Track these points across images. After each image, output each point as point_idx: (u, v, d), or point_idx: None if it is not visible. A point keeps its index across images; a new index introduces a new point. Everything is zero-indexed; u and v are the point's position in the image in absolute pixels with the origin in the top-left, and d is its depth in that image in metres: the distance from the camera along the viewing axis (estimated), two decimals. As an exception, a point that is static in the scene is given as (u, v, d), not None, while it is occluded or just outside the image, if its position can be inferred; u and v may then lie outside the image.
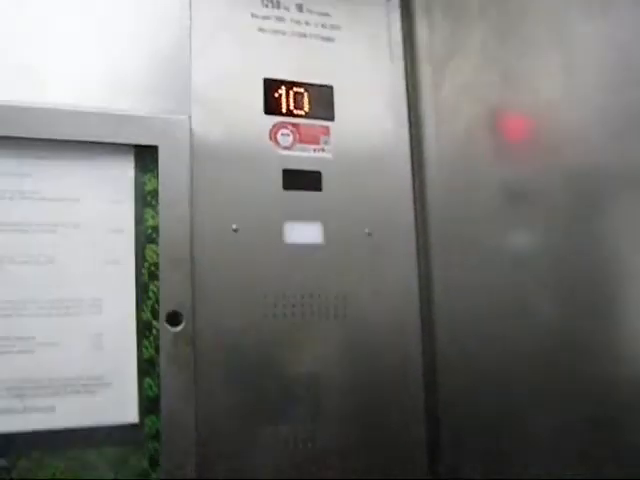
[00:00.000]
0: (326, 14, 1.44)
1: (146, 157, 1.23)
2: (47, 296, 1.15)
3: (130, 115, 1.22)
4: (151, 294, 1.21)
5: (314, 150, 1.38)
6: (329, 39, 1.44)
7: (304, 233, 1.36)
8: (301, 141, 1.38)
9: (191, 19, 1.32)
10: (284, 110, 1.37)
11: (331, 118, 1.41)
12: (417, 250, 1.45)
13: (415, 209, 1.46)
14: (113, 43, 1.26)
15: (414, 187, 1.46)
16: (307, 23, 1.42)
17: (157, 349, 1.19)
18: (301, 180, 1.36)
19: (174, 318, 1.20)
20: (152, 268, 1.21)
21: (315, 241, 1.36)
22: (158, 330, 1.19)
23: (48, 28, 1.22)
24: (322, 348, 1.35)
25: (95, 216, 1.19)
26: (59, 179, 1.18)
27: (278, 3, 1.40)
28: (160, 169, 1.22)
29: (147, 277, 1.21)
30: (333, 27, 1.45)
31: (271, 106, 1.36)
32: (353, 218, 1.39)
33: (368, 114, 1.44)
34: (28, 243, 1.15)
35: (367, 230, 1.40)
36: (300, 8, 1.42)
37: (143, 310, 1.21)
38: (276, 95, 1.37)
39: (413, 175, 1.47)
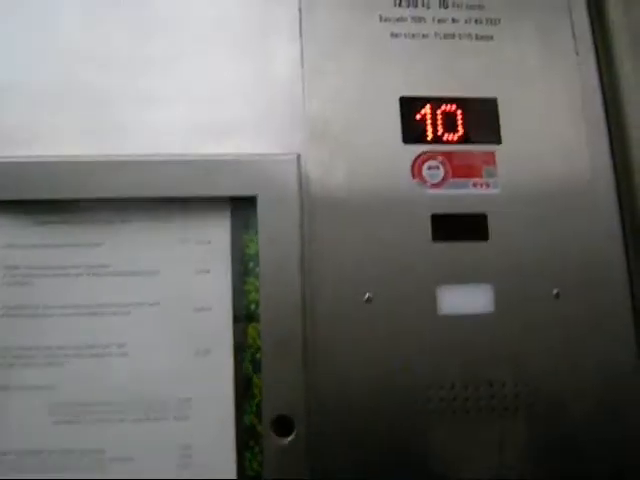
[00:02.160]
0: (479, 6, 1.08)
1: (245, 212, 0.94)
2: (120, 397, 0.89)
3: (220, 159, 0.94)
4: (256, 391, 0.90)
5: (474, 185, 1.01)
6: (486, 37, 1.07)
7: (466, 299, 0.97)
8: (456, 175, 1.01)
9: (302, 35, 1.04)
10: (430, 136, 1.02)
11: (496, 141, 1.03)
12: (633, 312, 1.02)
13: (627, 256, 1.03)
14: (204, 71, 1.01)
15: (623, 226, 1.04)
16: (455, 20, 1.07)
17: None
18: (458, 227, 0.99)
19: (283, 425, 0.88)
20: (257, 355, 0.91)
21: (483, 309, 0.97)
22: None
23: (122, 63, 1.00)
24: (501, 454, 0.94)
25: (179, 292, 0.92)
26: (134, 248, 0.93)
27: (415, 0, 1.09)
28: (260, 225, 0.92)
29: (250, 368, 0.91)
30: (490, 22, 1.08)
31: (412, 132, 1.02)
32: (535, 275, 0.99)
33: (548, 131, 1.04)
34: (97, 330, 0.90)
35: (556, 290, 0.99)
36: (444, 3, 1.08)
37: (245, 412, 0.91)
38: (418, 117, 1.02)
39: (621, 210, 1.04)
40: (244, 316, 0.93)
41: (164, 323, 0.91)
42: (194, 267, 0.93)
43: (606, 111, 1.07)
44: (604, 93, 1.08)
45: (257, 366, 0.90)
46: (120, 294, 0.91)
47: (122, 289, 0.91)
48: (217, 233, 0.94)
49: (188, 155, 0.94)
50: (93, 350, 0.89)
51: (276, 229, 0.92)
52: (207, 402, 0.90)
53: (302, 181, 0.96)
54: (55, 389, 0.88)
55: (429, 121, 1.03)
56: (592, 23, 1.11)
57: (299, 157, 0.96)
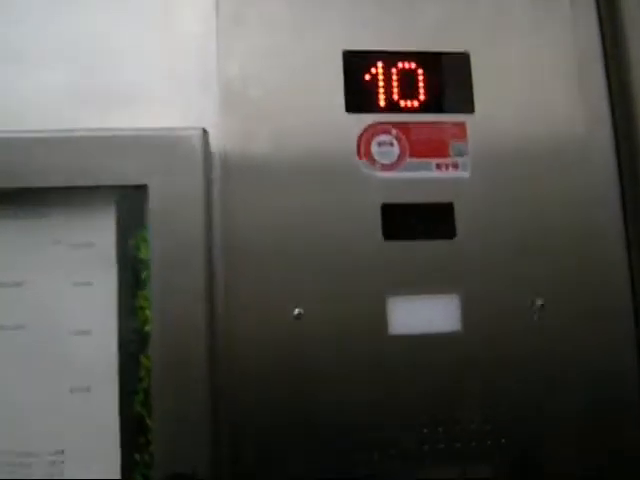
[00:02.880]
0: None
1: (135, 205, 0.72)
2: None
3: (100, 136, 0.71)
4: (150, 438, 0.70)
5: (438, 167, 0.79)
6: (457, -24, 0.85)
7: (425, 315, 0.76)
8: (414, 153, 0.79)
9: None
10: (383, 102, 0.79)
11: (468, 109, 0.80)
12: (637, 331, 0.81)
13: (630, 258, 0.82)
14: (87, 25, 0.78)
15: (625, 220, 0.82)
16: (416, -48, 0.85)
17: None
18: (416, 221, 0.77)
19: (179, 488, 0.68)
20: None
21: (447, 327, 0.76)
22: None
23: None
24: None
25: (50, 310, 0.71)
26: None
27: None
28: (152, 223, 0.70)
29: (142, 409, 0.70)
30: (462, -46, 0.86)
31: (359, 98, 0.79)
32: (514, 282, 0.77)
33: (534, 97, 0.81)
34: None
35: (540, 301, 0.78)
36: None
37: (135, 467, 0.70)
38: (367, 78, 0.79)
39: (624, 199, 0.82)
40: (137, 343, 0.71)
41: (30, 351, 0.70)
42: (69, 277, 0.71)
43: (607, 78, 0.85)
44: (606, 54, 0.85)
45: (151, 407, 0.70)
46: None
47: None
48: (99, 233, 0.71)
49: (61, 131, 0.72)
50: None
51: (173, 227, 0.70)
52: (85, 454, 0.69)
53: (210, 163, 0.73)
54: None
55: (381, 83, 0.79)
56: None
57: (205, 132, 0.73)
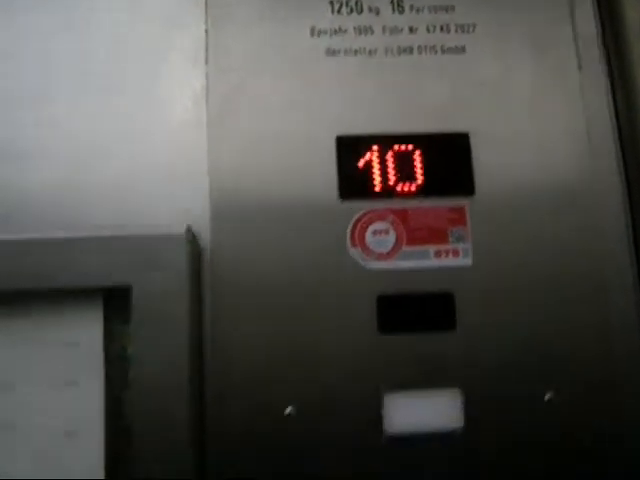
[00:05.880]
0: (446, 7, 0.81)
1: (123, 304, 0.70)
2: None
3: (77, 238, 0.69)
4: None
5: (437, 255, 0.76)
6: (456, 50, 0.80)
7: (425, 411, 0.71)
8: (411, 241, 0.76)
9: (207, 62, 0.80)
10: (378, 187, 0.76)
11: (468, 191, 0.77)
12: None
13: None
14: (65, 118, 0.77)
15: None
16: (413, 30, 0.80)
17: None
18: (414, 313, 0.73)
19: None
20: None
21: (448, 424, 0.72)
22: None
23: None
24: None
25: (37, 411, 0.69)
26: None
27: (359, 4, 0.82)
28: (136, 323, 0.69)
29: (127, 515, 0.69)
30: (462, 28, 0.80)
31: (353, 184, 0.76)
32: (520, 374, 0.73)
33: (540, 177, 0.78)
34: None
35: (549, 395, 0.72)
36: (399, 6, 0.81)
37: None
38: (361, 164, 0.77)
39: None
40: (121, 441, 0.70)
41: (19, 453, 0.69)
42: (56, 377, 0.70)
43: (622, 146, 0.80)
44: (618, 121, 0.80)
45: (138, 511, 0.68)
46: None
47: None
48: (85, 333, 0.71)
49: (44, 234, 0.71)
50: None
51: (158, 327, 0.68)
52: None
53: (198, 260, 0.72)
54: None
55: (376, 168, 0.76)
56: (603, 26, 0.83)
57: (190, 230, 0.71)
